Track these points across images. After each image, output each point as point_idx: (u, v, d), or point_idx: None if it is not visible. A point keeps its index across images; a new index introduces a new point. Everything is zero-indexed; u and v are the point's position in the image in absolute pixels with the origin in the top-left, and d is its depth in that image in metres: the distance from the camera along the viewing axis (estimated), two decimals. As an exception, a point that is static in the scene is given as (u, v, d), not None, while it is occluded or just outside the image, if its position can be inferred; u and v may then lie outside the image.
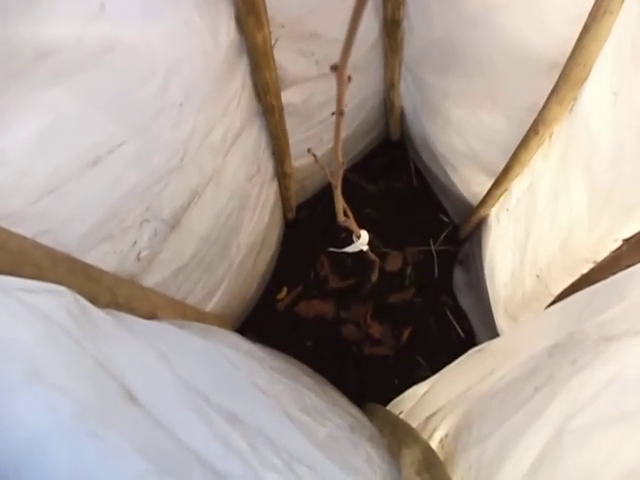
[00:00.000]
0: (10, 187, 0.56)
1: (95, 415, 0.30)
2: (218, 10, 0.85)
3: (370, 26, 1.25)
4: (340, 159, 0.63)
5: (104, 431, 0.29)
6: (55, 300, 0.43)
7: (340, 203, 0.89)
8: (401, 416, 1.13)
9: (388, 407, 1.34)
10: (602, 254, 0.83)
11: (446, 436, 0.84)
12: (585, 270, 0.88)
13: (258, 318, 1.66)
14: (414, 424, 0.98)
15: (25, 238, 0.57)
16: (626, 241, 0.76)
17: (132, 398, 0.37)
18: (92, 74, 0.61)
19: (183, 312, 1.02)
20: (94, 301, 0.55)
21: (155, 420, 0.36)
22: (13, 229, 0.55)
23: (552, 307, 0.87)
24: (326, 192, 1.78)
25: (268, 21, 0.93)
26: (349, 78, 0.44)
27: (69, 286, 0.50)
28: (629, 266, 0.68)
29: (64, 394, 0.30)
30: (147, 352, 0.51)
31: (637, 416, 0.43)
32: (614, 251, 0.79)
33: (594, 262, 0.85)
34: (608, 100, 0.74)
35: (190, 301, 1.10)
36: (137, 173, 0.74)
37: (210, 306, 1.23)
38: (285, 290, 1.72)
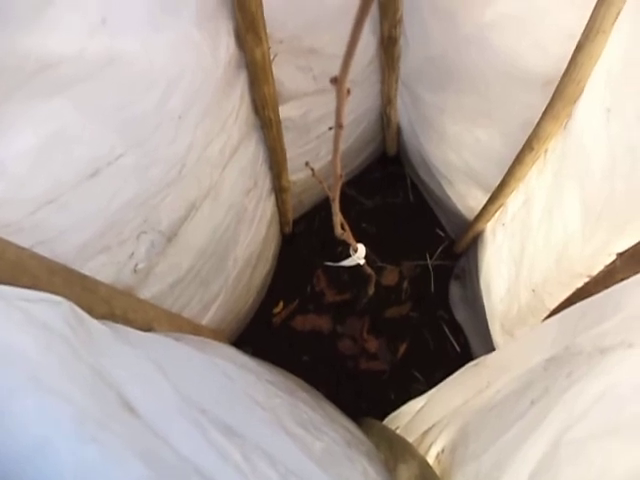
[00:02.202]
0: (9, 197, 0.56)
1: (95, 421, 0.30)
2: (218, 26, 0.86)
3: (367, 42, 1.27)
4: (339, 171, 0.64)
5: (105, 436, 0.29)
6: (53, 310, 0.43)
7: (338, 216, 0.89)
8: (397, 431, 1.12)
9: (384, 422, 1.34)
10: (596, 268, 0.83)
11: (442, 451, 0.83)
12: (580, 284, 0.89)
13: (254, 332, 1.66)
14: (410, 439, 0.98)
15: (22, 248, 0.57)
16: (620, 255, 0.77)
17: (130, 408, 0.37)
18: (93, 86, 0.61)
19: (179, 325, 1.02)
20: (90, 312, 0.55)
21: (153, 431, 0.36)
22: (11, 239, 0.55)
23: (547, 321, 0.87)
24: (323, 207, 1.78)
25: (267, 37, 0.95)
26: (348, 91, 0.45)
27: (65, 296, 0.50)
28: (623, 279, 0.68)
29: (64, 400, 0.30)
30: (144, 363, 0.51)
31: (632, 427, 0.43)
32: (608, 265, 0.80)
33: (589, 276, 0.86)
34: (601, 116, 0.75)
35: (186, 314, 1.10)
36: (135, 185, 0.75)
37: (206, 320, 1.23)
38: (281, 304, 1.72)
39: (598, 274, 0.83)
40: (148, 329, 0.80)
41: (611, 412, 0.46)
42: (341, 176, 0.67)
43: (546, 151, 1.01)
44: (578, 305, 0.73)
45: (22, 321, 0.35)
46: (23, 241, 0.57)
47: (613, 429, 0.44)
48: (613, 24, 0.73)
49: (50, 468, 0.27)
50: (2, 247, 0.53)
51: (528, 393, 0.64)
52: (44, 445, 0.28)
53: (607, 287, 0.69)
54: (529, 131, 1.01)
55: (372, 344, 1.66)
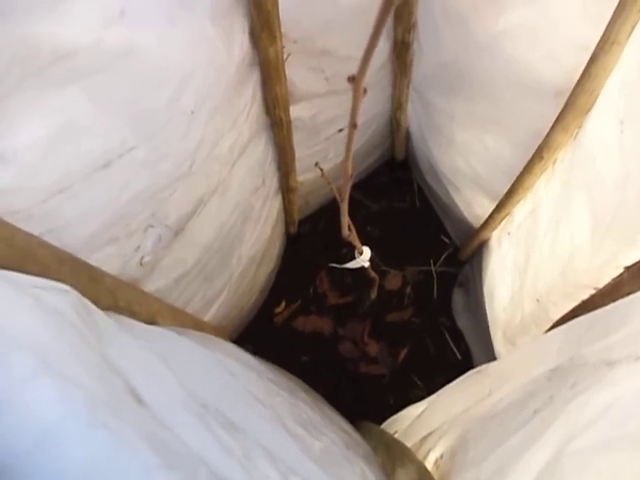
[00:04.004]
0: (20, 185, 0.57)
1: (106, 407, 0.30)
2: (233, 23, 0.86)
3: (380, 47, 1.27)
4: (350, 171, 0.64)
5: (115, 423, 0.29)
6: (62, 298, 0.43)
7: (346, 217, 0.89)
8: (396, 436, 1.12)
9: (383, 426, 1.33)
10: (603, 281, 0.83)
11: (441, 457, 0.83)
12: (586, 296, 0.88)
13: (255, 331, 1.66)
14: (409, 444, 0.97)
15: (32, 236, 0.57)
16: (628, 268, 0.76)
17: (137, 399, 0.37)
18: (108, 78, 0.61)
19: (182, 320, 1.02)
20: (96, 302, 0.55)
21: (160, 421, 0.36)
22: (20, 226, 0.55)
23: (552, 331, 0.87)
24: (329, 208, 1.78)
25: (281, 36, 0.95)
26: (365, 90, 0.45)
27: (72, 286, 0.50)
28: (630, 293, 0.68)
29: (76, 385, 0.30)
30: (148, 356, 0.51)
31: (636, 440, 0.43)
32: (615, 278, 0.80)
33: (595, 288, 0.86)
34: (614, 128, 0.75)
35: (189, 310, 1.10)
36: (145, 178, 0.75)
37: (208, 316, 1.23)
38: (283, 304, 1.72)
39: (604, 287, 0.82)
40: (152, 322, 0.80)
41: (617, 424, 0.46)
42: (352, 176, 0.67)
43: (555, 161, 1.01)
44: (584, 317, 0.73)
45: (34, 307, 0.35)
46: (32, 229, 0.57)
47: (619, 441, 0.44)
48: (628, 36, 0.73)
49: (61, 455, 0.27)
50: (11, 233, 0.53)
51: (531, 402, 0.64)
52: (55, 431, 0.28)
53: (614, 300, 0.69)
54: (539, 140, 1.00)
55: (373, 348, 1.66)
